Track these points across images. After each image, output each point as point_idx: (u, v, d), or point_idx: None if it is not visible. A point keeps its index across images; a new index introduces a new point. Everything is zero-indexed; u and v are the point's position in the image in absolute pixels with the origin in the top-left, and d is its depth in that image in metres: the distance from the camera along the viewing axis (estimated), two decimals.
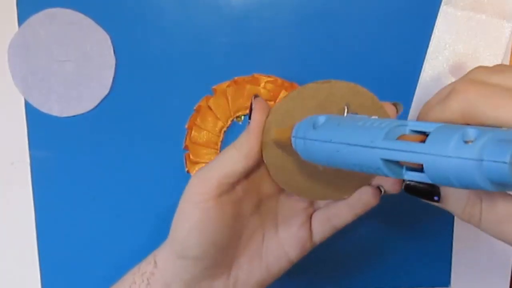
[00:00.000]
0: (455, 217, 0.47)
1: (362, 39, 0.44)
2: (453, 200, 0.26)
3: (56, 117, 0.44)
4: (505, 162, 0.17)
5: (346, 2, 0.44)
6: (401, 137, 0.22)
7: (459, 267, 0.48)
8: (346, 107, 0.30)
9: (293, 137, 0.28)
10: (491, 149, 0.18)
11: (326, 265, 0.47)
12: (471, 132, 0.19)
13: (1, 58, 0.44)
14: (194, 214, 0.31)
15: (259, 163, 0.32)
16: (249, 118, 0.31)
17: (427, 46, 0.44)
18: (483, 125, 0.23)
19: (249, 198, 0.33)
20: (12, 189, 0.45)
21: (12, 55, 0.44)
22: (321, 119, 0.27)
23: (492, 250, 0.48)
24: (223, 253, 0.33)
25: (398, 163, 0.22)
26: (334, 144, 0.24)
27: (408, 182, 0.27)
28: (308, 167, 0.32)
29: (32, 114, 0.44)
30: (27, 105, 0.44)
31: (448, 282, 0.48)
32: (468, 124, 0.24)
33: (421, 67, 0.45)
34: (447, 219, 0.47)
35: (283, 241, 0.34)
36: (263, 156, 0.31)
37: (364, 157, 0.23)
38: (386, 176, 0.22)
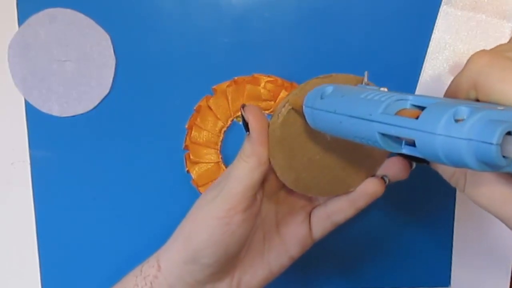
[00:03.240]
0: (455, 217, 0.47)
1: (362, 39, 0.44)
2: (444, 166, 0.27)
3: (56, 117, 0.44)
4: (491, 143, 0.17)
5: (346, 2, 0.44)
6: (400, 112, 0.22)
7: (459, 267, 0.48)
8: (366, 76, 0.29)
9: (304, 105, 0.28)
10: (480, 129, 0.18)
11: (325, 264, 0.47)
12: (463, 110, 0.19)
13: (1, 58, 0.44)
14: (216, 228, 0.31)
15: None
16: (246, 129, 0.30)
17: (427, 46, 0.44)
18: (489, 97, 0.23)
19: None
20: (12, 189, 0.45)
21: (12, 55, 0.44)
22: (329, 89, 0.27)
23: (492, 250, 0.48)
24: (232, 259, 0.33)
25: (395, 138, 0.22)
26: (337, 115, 0.25)
27: None
28: (314, 163, 0.32)
29: (32, 114, 0.44)
30: (27, 105, 0.44)
31: (448, 282, 0.48)
32: (477, 97, 0.24)
33: (421, 67, 0.45)
34: (447, 219, 0.47)
35: (284, 239, 0.35)
36: (270, 158, 0.31)
37: (363, 130, 0.23)
38: (384, 149, 0.22)
